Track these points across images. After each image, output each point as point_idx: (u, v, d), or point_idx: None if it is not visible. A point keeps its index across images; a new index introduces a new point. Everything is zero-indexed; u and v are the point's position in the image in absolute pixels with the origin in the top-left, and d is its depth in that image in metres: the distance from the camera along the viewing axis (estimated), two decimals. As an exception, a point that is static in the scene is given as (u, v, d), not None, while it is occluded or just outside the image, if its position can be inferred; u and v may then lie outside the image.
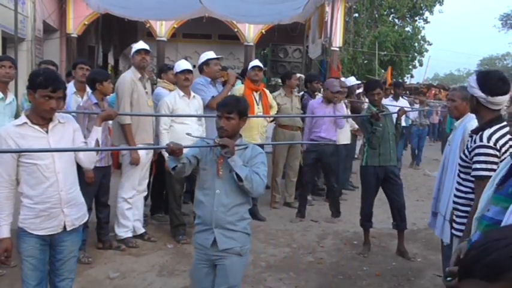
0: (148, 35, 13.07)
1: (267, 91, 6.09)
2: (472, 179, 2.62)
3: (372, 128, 4.72)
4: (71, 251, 2.78)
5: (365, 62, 27.07)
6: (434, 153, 12.59)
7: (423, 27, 27.88)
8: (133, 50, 4.76)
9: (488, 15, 52.66)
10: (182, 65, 4.94)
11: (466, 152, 2.68)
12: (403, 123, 6.74)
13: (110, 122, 4.15)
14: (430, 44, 27.86)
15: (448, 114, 5.86)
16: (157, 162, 5.13)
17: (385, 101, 7.24)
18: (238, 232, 2.72)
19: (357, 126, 7.14)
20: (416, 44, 27.00)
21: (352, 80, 8.37)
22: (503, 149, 2.53)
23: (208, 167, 2.73)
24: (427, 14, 27.78)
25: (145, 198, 5.17)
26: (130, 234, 4.75)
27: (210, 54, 5.33)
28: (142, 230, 4.92)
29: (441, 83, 31.61)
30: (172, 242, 4.85)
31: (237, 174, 2.59)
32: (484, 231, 1.91)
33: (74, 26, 11.77)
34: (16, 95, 5.04)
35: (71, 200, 2.70)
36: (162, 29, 12.38)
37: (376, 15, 26.49)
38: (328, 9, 7.91)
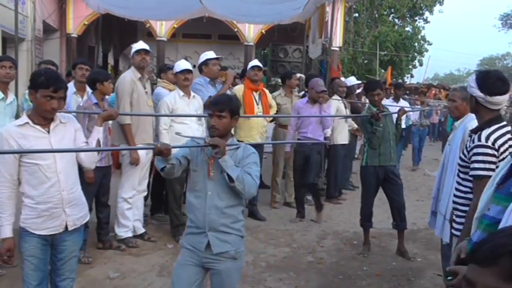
0: (148, 35, 13.08)
1: (267, 91, 6.09)
2: (471, 178, 2.62)
3: (372, 128, 4.72)
4: (72, 250, 2.78)
5: (365, 62, 27.07)
6: (434, 153, 12.60)
7: (423, 27, 27.92)
8: (133, 50, 4.76)
9: (488, 15, 52.68)
10: (182, 65, 4.94)
11: (465, 151, 2.69)
12: (403, 125, 6.73)
13: (110, 122, 4.15)
14: (430, 44, 27.88)
15: (449, 114, 5.85)
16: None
17: (386, 102, 7.24)
18: (233, 235, 2.64)
19: (356, 126, 7.14)
20: (416, 44, 27.00)
21: (352, 80, 8.36)
22: (502, 149, 2.53)
23: (199, 168, 2.65)
24: (427, 14, 27.81)
25: (145, 198, 5.17)
26: (130, 234, 4.75)
27: (210, 54, 5.33)
28: (143, 230, 4.92)
29: (441, 83, 31.60)
30: (172, 242, 4.85)
31: (228, 174, 2.51)
32: (484, 230, 1.91)
33: (74, 26, 11.77)
34: (16, 95, 5.03)
35: (72, 200, 2.71)
36: (162, 29, 12.38)
37: (376, 15, 26.50)
38: (328, 9, 7.90)
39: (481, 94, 2.60)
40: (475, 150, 2.57)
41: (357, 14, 25.42)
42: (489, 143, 2.53)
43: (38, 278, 2.66)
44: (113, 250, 4.55)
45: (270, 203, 6.42)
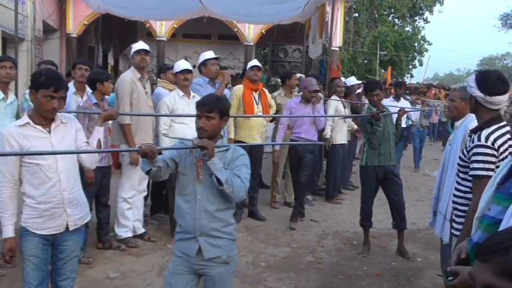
0: (148, 35, 13.08)
1: (266, 90, 6.08)
2: (471, 178, 2.62)
3: (372, 129, 4.72)
4: (73, 250, 2.79)
5: (365, 62, 27.08)
6: (434, 153, 12.60)
7: (423, 27, 27.94)
8: (133, 50, 4.76)
9: (488, 15, 52.68)
10: (182, 65, 4.94)
11: (464, 151, 2.69)
12: (403, 125, 6.72)
13: (110, 122, 4.15)
14: (430, 44, 27.91)
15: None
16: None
17: (386, 102, 7.23)
18: (224, 239, 2.58)
19: (356, 127, 7.15)
20: (416, 44, 27.03)
21: (352, 80, 8.37)
22: (502, 149, 2.53)
23: (188, 171, 2.57)
24: (427, 13, 27.82)
25: (145, 198, 5.17)
26: (130, 234, 4.76)
27: (208, 55, 5.33)
28: (143, 230, 4.92)
29: (441, 82, 31.63)
30: (172, 242, 4.81)
31: (216, 177, 2.43)
32: (485, 230, 1.91)
33: (74, 26, 11.77)
34: (16, 95, 5.03)
35: (73, 199, 2.72)
36: (162, 29, 12.38)
37: (376, 15, 26.51)
38: (328, 9, 7.91)
39: (481, 94, 2.60)
40: (474, 150, 2.57)
41: (356, 14, 25.44)
42: (489, 143, 2.54)
43: (39, 278, 2.66)
44: (113, 250, 4.55)
45: (270, 203, 6.42)
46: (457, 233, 2.75)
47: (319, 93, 6.76)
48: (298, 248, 4.95)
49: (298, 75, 6.96)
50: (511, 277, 1.07)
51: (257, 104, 5.65)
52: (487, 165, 2.51)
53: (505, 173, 1.91)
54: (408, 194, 7.23)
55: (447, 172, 3.37)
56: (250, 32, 12.58)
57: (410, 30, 27.59)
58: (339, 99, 6.83)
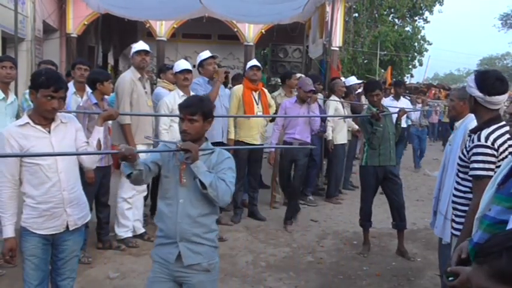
0: (148, 35, 13.07)
1: (266, 90, 6.08)
2: (471, 178, 2.62)
3: (372, 129, 4.72)
4: (73, 250, 2.79)
5: (365, 62, 27.09)
6: (434, 153, 12.60)
7: (423, 27, 27.94)
8: (134, 50, 4.76)
9: (488, 15, 52.70)
10: (181, 64, 4.94)
11: (464, 151, 2.69)
12: (403, 124, 6.71)
13: (110, 121, 4.15)
14: (430, 44, 27.92)
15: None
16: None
17: (386, 101, 7.23)
18: (206, 246, 2.49)
19: (356, 127, 7.15)
20: (416, 44, 27.03)
21: (351, 80, 8.36)
22: (501, 149, 2.53)
23: (171, 174, 2.50)
24: (427, 13, 27.82)
25: (145, 198, 5.17)
26: (130, 234, 4.76)
27: (204, 55, 5.33)
28: (142, 230, 4.92)
29: (441, 82, 31.64)
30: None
31: (200, 181, 2.36)
32: (485, 230, 1.91)
33: (74, 26, 11.76)
34: (16, 95, 5.03)
35: (73, 199, 2.72)
36: (162, 29, 12.37)
37: (376, 15, 26.51)
38: (328, 9, 7.91)
39: (480, 94, 2.60)
40: (474, 150, 2.57)
41: (356, 14, 25.44)
42: (489, 143, 2.54)
43: (39, 278, 2.67)
44: (113, 250, 4.55)
45: (270, 203, 6.42)
46: (457, 233, 2.75)
47: (319, 93, 6.79)
48: (298, 248, 4.95)
49: (298, 75, 6.94)
50: (503, 280, 1.08)
51: (257, 104, 5.65)
52: (487, 165, 2.51)
53: (506, 173, 1.91)
54: (408, 194, 7.23)
55: (447, 172, 3.37)
56: (250, 32, 12.57)
57: (410, 30, 27.60)
58: (338, 99, 6.83)
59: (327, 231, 5.54)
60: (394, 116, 5.02)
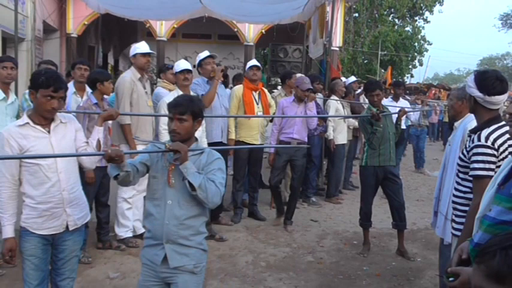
0: (148, 35, 13.08)
1: (266, 90, 6.08)
2: (471, 178, 2.62)
3: (372, 129, 4.72)
4: (72, 250, 2.79)
5: (365, 62, 27.09)
6: (435, 153, 12.61)
7: (423, 27, 27.95)
8: (138, 51, 4.70)
9: (488, 15, 52.73)
10: (182, 64, 4.94)
11: (464, 151, 2.69)
12: (403, 125, 6.69)
13: (110, 121, 4.15)
14: (430, 44, 27.95)
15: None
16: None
17: (385, 102, 7.22)
18: (193, 248, 2.45)
19: (357, 124, 7.14)
20: (416, 44, 27.05)
21: (350, 79, 8.37)
22: (502, 149, 2.53)
23: (159, 175, 2.46)
24: (427, 13, 27.83)
25: (145, 198, 5.16)
26: (130, 234, 4.76)
27: (202, 55, 5.33)
28: (143, 230, 4.91)
29: (441, 82, 31.62)
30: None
31: (189, 182, 2.32)
32: (486, 230, 1.91)
33: (74, 26, 11.77)
34: (16, 95, 5.04)
35: (73, 199, 2.72)
36: (162, 29, 12.38)
37: (376, 15, 26.52)
38: (328, 9, 7.91)
39: (480, 94, 2.60)
40: (474, 150, 2.57)
41: (357, 14, 25.46)
42: (489, 143, 2.53)
43: (39, 278, 2.66)
44: (113, 250, 4.55)
45: (270, 203, 6.42)
46: (457, 233, 2.75)
47: (319, 93, 6.79)
48: (298, 248, 4.95)
49: (298, 75, 6.95)
50: (496, 280, 1.12)
51: (257, 104, 5.65)
52: (487, 165, 2.51)
53: (506, 173, 1.91)
54: (408, 194, 7.24)
55: (447, 172, 3.37)
56: (250, 32, 12.58)
57: (410, 30, 27.61)
58: (337, 99, 6.83)
59: (327, 231, 5.54)
60: (394, 116, 5.02)
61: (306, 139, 5.58)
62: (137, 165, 2.49)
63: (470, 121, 3.17)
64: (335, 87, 6.93)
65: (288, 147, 5.43)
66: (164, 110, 4.83)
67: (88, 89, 4.69)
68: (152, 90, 5.41)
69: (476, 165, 2.55)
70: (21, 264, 2.71)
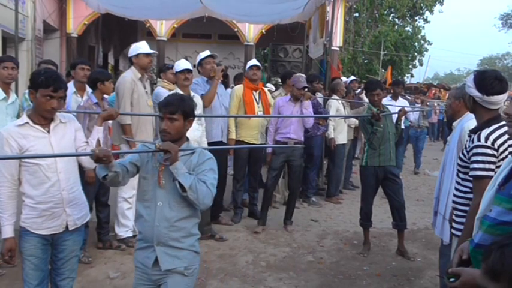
0: (149, 34, 13.07)
1: (266, 90, 6.08)
2: (471, 178, 2.62)
3: (372, 129, 4.72)
4: (72, 250, 2.79)
5: (365, 61, 27.09)
6: (435, 153, 12.61)
7: (423, 27, 27.93)
8: (140, 51, 4.69)
9: (488, 14, 52.73)
10: (182, 64, 4.93)
11: (464, 151, 2.69)
12: (402, 125, 6.69)
13: (110, 121, 4.15)
14: (430, 44, 27.94)
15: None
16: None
17: (384, 101, 7.21)
18: (184, 250, 2.41)
19: (357, 123, 7.14)
20: (416, 44, 27.03)
21: (350, 78, 8.37)
22: (502, 149, 2.53)
23: (149, 176, 2.42)
24: (427, 13, 27.82)
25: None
26: (130, 234, 4.75)
27: (202, 54, 5.33)
28: (143, 230, 4.91)
29: (441, 82, 31.61)
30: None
31: (180, 183, 2.28)
32: (486, 231, 1.91)
33: (74, 25, 11.76)
34: (16, 95, 5.04)
35: (72, 199, 2.71)
36: (162, 28, 12.37)
37: (376, 15, 26.51)
38: (328, 9, 7.91)
39: (479, 94, 2.59)
40: (474, 151, 2.57)
41: (357, 14, 25.46)
42: (489, 143, 2.53)
43: (39, 278, 2.66)
44: (113, 250, 4.55)
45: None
46: (457, 233, 2.74)
47: (319, 93, 6.79)
48: (298, 247, 4.95)
49: (299, 74, 6.94)
50: (492, 277, 1.18)
51: (257, 104, 5.64)
52: (487, 166, 2.51)
53: (506, 174, 1.90)
54: (408, 194, 7.23)
55: (445, 172, 3.37)
56: (251, 31, 12.57)
57: (410, 30, 27.60)
58: (338, 98, 6.83)
59: (327, 231, 5.54)
60: (394, 116, 5.02)
61: (302, 138, 5.50)
62: (127, 165, 2.44)
63: (467, 120, 3.17)
64: (336, 87, 6.92)
65: (287, 147, 5.36)
66: (164, 110, 4.84)
67: (88, 89, 4.68)
68: (152, 90, 5.40)
69: (476, 166, 2.54)
70: (21, 264, 2.71)
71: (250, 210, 5.90)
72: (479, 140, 2.56)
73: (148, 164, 2.45)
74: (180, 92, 4.85)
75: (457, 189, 2.82)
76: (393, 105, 6.70)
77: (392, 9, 26.61)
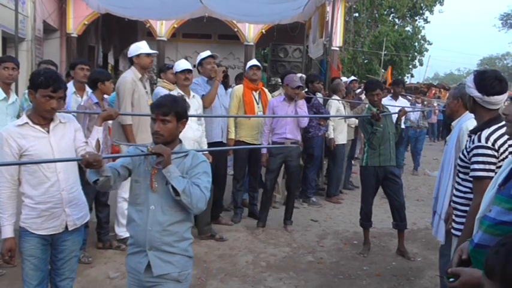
0: (149, 34, 13.07)
1: (266, 90, 6.07)
2: (471, 179, 2.61)
3: (372, 129, 4.72)
4: (72, 250, 2.79)
5: (365, 61, 27.07)
6: (434, 153, 12.61)
7: (423, 27, 27.91)
8: (141, 51, 4.68)
9: (488, 14, 52.71)
10: (182, 64, 4.93)
11: (464, 152, 2.68)
12: (402, 125, 6.68)
13: (110, 121, 4.15)
14: (430, 44, 27.90)
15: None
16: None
17: (384, 101, 7.21)
18: (177, 255, 2.36)
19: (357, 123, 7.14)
20: (416, 44, 27.01)
21: (350, 78, 8.37)
22: (502, 149, 2.52)
23: (142, 179, 2.36)
24: (427, 13, 27.80)
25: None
26: (130, 234, 4.75)
27: (203, 54, 5.33)
28: (143, 230, 4.91)
29: (441, 82, 31.61)
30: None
31: (173, 186, 2.23)
32: (486, 231, 1.91)
33: (74, 25, 11.76)
34: (17, 95, 5.04)
35: (72, 199, 2.72)
36: (162, 28, 12.37)
37: (376, 15, 26.49)
38: (328, 9, 7.90)
39: (479, 94, 2.59)
40: (474, 151, 2.56)
41: (357, 14, 25.44)
42: (489, 144, 2.53)
43: (38, 278, 2.66)
44: (113, 250, 4.55)
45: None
46: (457, 233, 2.74)
47: (319, 93, 6.79)
48: (298, 247, 4.95)
49: (299, 75, 6.94)
50: (489, 275, 1.24)
51: (257, 104, 5.64)
52: (487, 166, 2.51)
53: (506, 174, 1.90)
54: (408, 194, 7.24)
55: (443, 172, 3.37)
56: (251, 31, 12.57)
57: (410, 30, 27.58)
58: (338, 99, 6.83)
59: (327, 231, 5.54)
60: (394, 116, 5.02)
61: (298, 138, 5.46)
62: (118, 168, 2.39)
63: (466, 120, 3.17)
64: (337, 87, 6.92)
65: (285, 147, 5.32)
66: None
67: (88, 89, 4.68)
68: (152, 90, 5.41)
69: (476, 166, 2.54)
70: (20, 264, 2.71)
71: (250, 210, 5.90)
72: (479, 140, 2.56)
73: (141, 167, 2.40)
74: (181, 92, 4.86)
75: (457, 190, 2.82)
76: (393, 105, 6.70)
77: (392, 9, 26.58)
